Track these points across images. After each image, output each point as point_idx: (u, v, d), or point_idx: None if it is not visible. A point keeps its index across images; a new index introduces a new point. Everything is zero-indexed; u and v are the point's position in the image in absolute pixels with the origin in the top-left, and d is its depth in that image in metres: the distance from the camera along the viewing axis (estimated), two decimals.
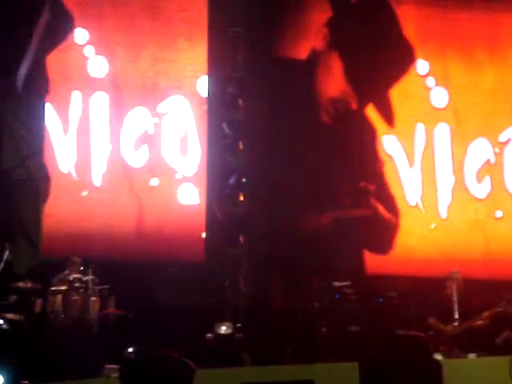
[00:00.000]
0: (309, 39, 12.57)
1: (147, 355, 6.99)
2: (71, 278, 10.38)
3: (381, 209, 12.74)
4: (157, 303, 11.17)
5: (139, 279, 11.14)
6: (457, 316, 10.98)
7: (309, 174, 12.30)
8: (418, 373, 6.50)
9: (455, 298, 11.15)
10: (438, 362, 6.74)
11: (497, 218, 13.19)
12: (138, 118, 11.67)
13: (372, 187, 12.75)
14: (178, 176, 11.78)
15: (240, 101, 11.99)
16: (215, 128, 11.92)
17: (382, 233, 12.72)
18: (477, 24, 13.32)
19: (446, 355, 10.10)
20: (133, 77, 11.72)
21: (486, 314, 11.31)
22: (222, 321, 11.10)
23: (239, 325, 11.11)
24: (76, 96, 11.51)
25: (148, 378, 5.19)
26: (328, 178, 12.42)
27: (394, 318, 11.24)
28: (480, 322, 11.24)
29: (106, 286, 10.46)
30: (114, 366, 8.99)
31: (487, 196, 13.18)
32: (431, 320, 11.17)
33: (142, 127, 11.69)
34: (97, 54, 11.60)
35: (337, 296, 11.49)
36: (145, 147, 11.66)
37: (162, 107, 11.80)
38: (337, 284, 11.67)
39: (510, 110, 13.36)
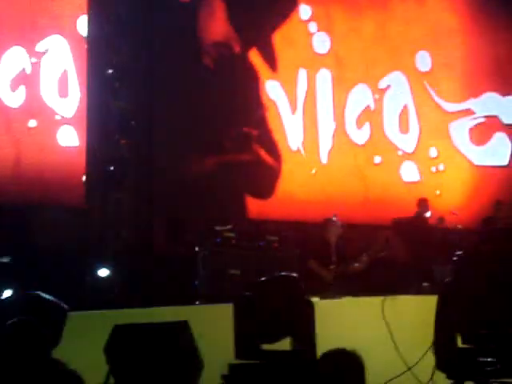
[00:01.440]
0: None
1: (17, 297, 6.92)
2: None
3: (263, 154, 12.81)
4: (35, 248, 10.98)
5: (17, 223, 10.90)
6: (334, 259, 11.20)
7: (192, 118, 12.21)
8: (291, 311, 6.63)
9: (333, 242, 11.37)
10: (309, 301, 6.89)
11: (375, 164, 13.46)
12: (15, 58, 11.29)
13: (254, 132, 12.80)
14: (58, 117, 11.51)
15: (122, 42, 11.74)
16: (95, 69, 11.66)
17: (263, 178, 12.82)
18: None
19: (323, 297, 10.30)
20: (9, 15, 11.31)
21: (364, 257, 11.57)
22: (102, 264, 11.01)
23: (119, 268, 11.04)
24: None
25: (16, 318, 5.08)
26: (211, 122, 12.37)
27: (273, 261, 11.37)
28: (357, 265, 11.49)
29: None
30: None
31: (366, 142, 13.42)
32: (311, 262, 11.36)
33: (19, 67, 11.33)
34: None
35: (218, 240, 11.52)
36: (22, 88, 11.32)
37: (40, 46, 11.46)
38: (218, 228, 11.70)
39: (390, 56, 13.58)
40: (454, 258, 7.45)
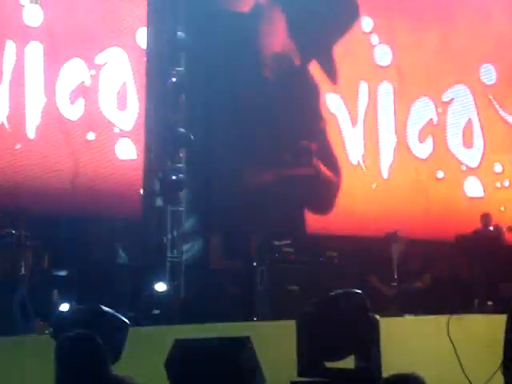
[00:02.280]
0: None
1: (78, 310, 6.81)
2: (3, 233, 10.05)
3: (323, 168, 12.64)
4: (93, 260, 10.94)
5: (75, 235, 10.86)
6: (396, 276, 11.00)
7: (251, 130, 12.10)
8: (355, 330, 6.41)
9: (395, 259, 11.16)
10: (375, 319, 6.66)
11: (438, 179, 13.19)
12: (75, 70, 11.28)
13: (314, 146, 12.64)
14: (116, 130, 11.47)
15: (181, 55, 11.70)
16: (154, 82, 11.62)
17: (323, 192, 12.65)
18: None
19: (384, 314, 10.08)
20: (69, 27, 11.31)
21: (427, 276, 11.35)
22: (159, 279, 10.94)
23: (176, 283, 10.94)
24: (10, 46, 11.06)
25: (78, 336, 4.94)
26: (271, 136, 12.25)
27: (333, 277, 11.17)
28: (420, 285, 11.27)
29: (39, 242, 10.18)
30: (46, 322, 8.80)
31: (429, 156, 13.16)
32: (372, 277, 11.16)
33: (78, 79, 11.31)
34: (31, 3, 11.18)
35: (276, 255, 11.38)
36: (81, 100, 11.30)
37: (99, 58, 11.44)
38: (277, 243, 11.56)
39: (453, 69, 13.32)
40: None
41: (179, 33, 11.67)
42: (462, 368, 7.82)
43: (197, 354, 5.44)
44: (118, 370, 4.95)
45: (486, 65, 13.52)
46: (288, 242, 11.69)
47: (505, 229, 12.18)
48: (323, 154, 12.67)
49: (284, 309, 9.74)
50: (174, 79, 11.55)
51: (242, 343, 5.55)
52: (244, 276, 11.22)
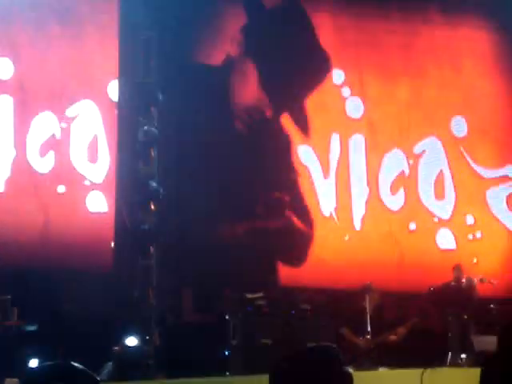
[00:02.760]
0: (224, 45, 12.37)
1: (48, 366, 6.64)
2: None
3: (295, 220, 12.61)
4: (62, 314, 10.77)
5: (44, 289, 10.70)
6: (369, 329, 10.90)
7: (222, 184, 12.06)
8: (327, 383, 6.30)
9: (369, 310, 11.08)
10: (349, 374, 6.56)
11: (410, 231, 13.19)
12: (45, 123, 11.24)
13: (286, 197, 12.61)
14: (87, 183, 11.39)
15: (152, 108, 11.66)
16: (125, 134, 11.57)
17: (295, 244, 12.59)
18: (393, 34, 13.36)
19: (358, 368, 9.99)
20: (40, 80, 11.28)
21: (401, 329, 11.27)
22: (130, 333, 10.77)
23: (147, 337, 10.77)
24: None
25: None
26: (243, 188, 12.22)
27: (307, 330, 11.08)
28: (393, 337, 11.19)
29: (8, 297, 10.02)
30: (14, 379, 8.62)
31: (401, 208, 13.17)
32: (345, 330, 11.08)
33: (48, 132, 11.26)
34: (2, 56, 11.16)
35: (249, 308, 11.27)
36: (51, 153, 11.24)
37: (70, 111, 11.41)
38: (249, 296, 11.45)
39: (424, 121, 13.41)
40: (500, 328, 7.09)
41: (150, 84, 11.65)
42: None
43: None
44: None
45: (456, 117, 13.63)
46: (261, 294, 11.59)
47: (477, 280, 12.16)
48: (296, 206, 12.64)
49: (257, 362, 9.62)
50: (145, 132, 11.49)
51: None
52: (217, 329, 11.09)
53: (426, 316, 12.33)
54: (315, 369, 6.35)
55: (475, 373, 6.50)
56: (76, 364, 5.81)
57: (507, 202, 13.73)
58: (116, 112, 11.56)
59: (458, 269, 12.12)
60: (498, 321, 11.33)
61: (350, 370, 6.76)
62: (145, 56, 11.62)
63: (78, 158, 11.40)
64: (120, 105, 11.56)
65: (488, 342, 9.25)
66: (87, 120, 11.49)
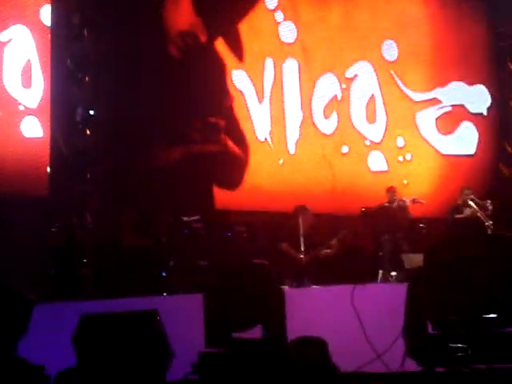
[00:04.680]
0: None
1: None
2: None
3: (230, 144, 12.73)
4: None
5: None
6: (303, 248, 11.17)
7: (157, 108, 12.09)
8: (261, 299, 6.56)
9: (303, 230, 11.33)
10: (280, 289, 6.82)
11: (343, 154, 13.44)
12: None
13: (222, 122, 12.70)
14: (21, 108, 11.33)
15: (85, 32, 11.57)
16: (59, 60, 11.48)
17: (231, 168, 12.74)
18: None
19: (296, 285, 10.28)
20: None
21: (333, 242, 11.55)
22: (68, 258, 10.88)
23: (85, 261, 10.89)
24: None
25: None
26: (178, 113, 12.26)
27: (243, 251, 11.32)
28: (328, 251, 11.47)
29: None
30: None
31: (334, 132, 13.39)
32: (284, 245, 11.30)
33: None
34: None
35: (185, 231, 11.44)
36: None
37: (2, 36, 11.26)
38: (185, 219, 11.61)
39: (356, 46, 13.56)
40: (425, 245, 7.44)
41: (83, 8, 11.53)
42: (366, 335, 8.10)
43: (104, 328, 5.50)
44: (24, 345, 5.00)
45: (388, 41, 13.80)
46: (197, 217, 11.76)
47: (409, 201, 12.51)
48: (231, 131, 12.75)
49: (193, 283, 9.84)
50: (77, 56, 11.42)
51: (149, 317, 5.64)
52: (154, 252, 11.24)
53: (359, 235, 12.68)
54: (247, 285, 6.62)
55: (403, 288, 6.85)
56: (10, 285, 5.98)
57: (436, 125, 14.07)
58: (49, 36, 11.44)
59: (391, 190, 12.47)
60: (427, 240, 11.73)
61: (282, 287, 7.05)
62: None
63: (12, 83, 11.30)
64: (53, 30, 11.44)
65: (417, 260, 9.58)
66: (20, 44, 11.36)
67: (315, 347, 5.75)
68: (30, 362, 4.92)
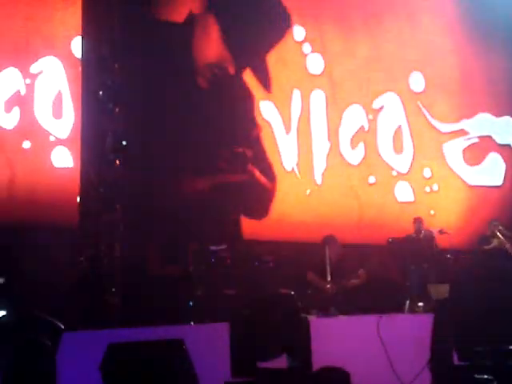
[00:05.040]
0: (186, 2, 12.47)
1: (16, 316, 6.90)
2: None
3: (257, 174, 12.81)
4: (28, 269, 10.93)
5: (10, 243, 10.86)
6: (329, 278, 11.17)
7: (186, 139, 12.22)
8: (287, 329, 6.60)
9: (331, 260, 11.35)
10: (305, 319, 6.87)
11: (370, 184, 13.48)
12: (9, 79, 11.33)
13: (249, 152, 12.80)
14: (52, 138, 11.52)
15: (115, 64, 11.74)
16: (89, 90, 11.65)
17: (258, 198, 12.82)
18: None
19: (324, 314, 10.28)
20: (3, 36, 11.34)
21: (361, 272, 11.57)
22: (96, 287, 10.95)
23: (113, 290, 10.97)
24: None
25: (17, 338, 5.11)
26: (206, 143, 12.38)
27: (269, 280, 11.35)
28: (355, 281, 11.47)
29: None
30: None
31: (361, 162, 13.44)
32: (310, 275, 11.32)
33: (13, 88, 11.35)
34: None
35: (212, 260, 11.50)
36: (16, 109, 11.34)
37: (34, 67, 11.49)
38: (213, 248, 11.68)
39: (383, 77, 13.64)
40: (451, 276, 7.45)
41: (114, 40, 11.70)
42: (391, 366, 8.11)
43: (131, 357, 5.56)
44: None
45: (414, 72, 13.87)
46: (224, 246, 11.83)
47: (436, 232, 12.51)
48: (258, 161, 12.85)
49: (220, 312, 9.88)
50: (108, 88, 11.58)
51: (175, 346, 5.70)
52: (181, 281, 11.31)
53: (386, 266, 12.67)
54: (273, 315, 6.67)
55: (428, 318, 6.87)
56: (40, 313, 6.07)
57: (463, 156, 14.08)
58: (80, 68, 11.63)
59: (418, 221, 12.48)
60: (454, 270, 11.71)
61: (307, 316, 7.09)
62: (107, 13, 11.66)
63: (43, 113, 11.51)
64: (83, 61, 11.62)
65: (444, 291, 9.56)
66: (51, 76, 11.58)
67: (338, 378, 5.78)
68: None
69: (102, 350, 5.43)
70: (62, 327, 6.22)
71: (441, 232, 12.51)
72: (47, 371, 4.75)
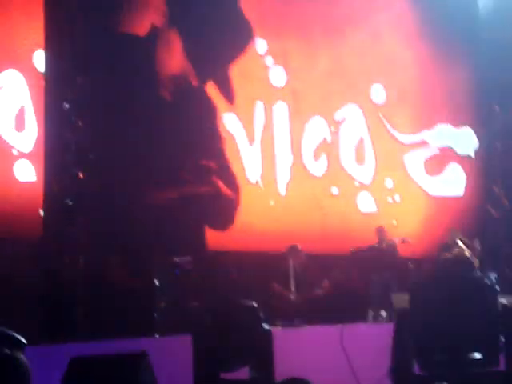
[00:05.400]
0: (148, 15, 12.50)
1: None
2: None
3: (221, 186, 12.85)
4: None
5: None
6: (293, 289, 11.26)
7: (149, 151, 12.24)
8: (249, 341, 6.66)
9: (295, 271, 11.43)
10: (268, 330, 6.93)
11: (333, 195, 13.57)
12: None
13: (213, 164, 12.84)
14: (15, 152, 11.49)
15: (78, 77, 11.76)
16: (53, 104, 11.66)
17: (222, 209, 12.84)
18: (313, 4, 13.62)
19: (287, 325, 10.35)
20: None
21: (325, 283, 11.65)
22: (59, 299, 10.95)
23: (75, 302, 10.97)
24: None
25: None
26: (169, 155, 12.41)
27: (232, 292, 11.38)
28: (319, 291, 11.56)
29: None
30: None
31: (324, 173, 13.54)
32: (274, 285, 11.39)
33: None
34: None
35: (176, 272, 11.53)
36: None
37: None
38: (177, 260, 11.72)
39: (345, 89, 13.75)
40: (411, 285, 7.55)
41: (76, 53, 11.73)
42: (354, 374, 8.20)
43: (93, 371, 5.56)
44: None
45: (376, 84, 14.01)
46: (189, 258, 11.86)
47: (399, 241, 12.64)
48: (222, 172, 12.88)
49: (184, 324, 9.91)
50: (71, 101, 11.60)
51: (138, 358, 5.72)
52: (145, 293, 11.31)
53: (349, 275, 12.78)
54: (235, 326, 6.72)
55: (391, 327, 6.95)
56: (0, 328, 6.05)
57: (424, 166, 14.24)
58: (42, 82, 11.63)
59: (380, 231, 12.60)
60: (414, 280, 11.82)
61: (270, 328, 7.15)
62: (69, 26, 11.69)
63: (5, 127, 11.47)
64: (46, 74, 11.62)
65: (405, 300, 9.68)
66: (13, 90, 11.55)
67: None
68: None
69: (64, 364, 5.43)
70: (24, 341, 6.21)
71: (403, 241, 12.65)
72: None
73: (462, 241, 12.56)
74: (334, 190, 13.54)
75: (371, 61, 13.94)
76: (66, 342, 8.25)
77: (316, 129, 13.50)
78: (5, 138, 11.47)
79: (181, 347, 7.05)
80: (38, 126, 11.60)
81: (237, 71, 13.03)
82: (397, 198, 13.95)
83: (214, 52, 12.72)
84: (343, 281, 12.32)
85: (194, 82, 12.77)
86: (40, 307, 10.67)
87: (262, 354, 6.72)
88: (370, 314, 11.68)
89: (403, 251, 12.69)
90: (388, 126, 14.02)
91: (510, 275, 13.44)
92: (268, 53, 13.31)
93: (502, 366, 6.14)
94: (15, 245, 11.13)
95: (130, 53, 12.17)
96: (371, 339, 8.56)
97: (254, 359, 6.69)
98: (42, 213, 11.53)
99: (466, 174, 14.50)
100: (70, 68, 11.66)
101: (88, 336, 9.73)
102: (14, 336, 6.09)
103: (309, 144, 13.45)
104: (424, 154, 14.23)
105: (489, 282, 6.86)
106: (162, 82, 12.56)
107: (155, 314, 10.57)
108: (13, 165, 11.47)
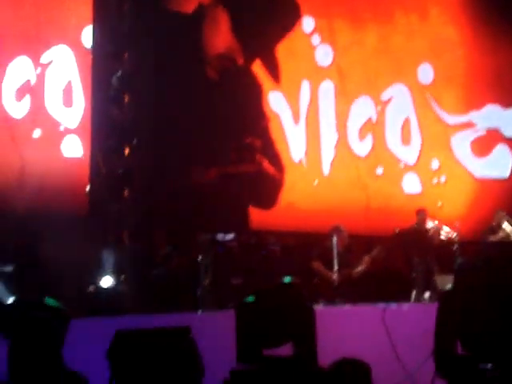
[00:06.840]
0: None
1: (20, 302, 6.98)
2: None
3: (266, 165, 12.87)
4: (39, 256, 11.03)
5: (21, 231, 10.96)
6: (336, 268, 11.25)
7: (195, 129, 12.29)
8: (292, 317, 6.67)
9: (335, 251, 11.43)
10: (311, 308, 6.93)
11: (377, 175, 13.52)
12: (20, 68, 11.40)
13: (258, 143, 12.86)
14: (62, 128, 11.60)
15: (125, 54, 11.84)
16: (100, 80, 11.75)
17: (266, 188, 12.88)
18: None
19: (328, 303, 10.36)
20: (15, 25, 11.42)
21: (366, 258, 11.63)
22: (105, 275, 11.07)
23: (122, 277, 11.10)
24: None
25: (21, 324, 5.19)
26: (215, 134, 12.45)
27: (276, 269, 11.42)
28: (360, 269, 11.54)
29: None
30: None
31: (368, 153, 13.48)
32: (315, 263, 11.40)
33: (24, 77, 11.43)
34: None
35: (220, 249, 11.59)
36: (27, 98, 11.43)
37: (45, 57, 11.56)
38: (220, 237, 11.77)
39: (392, 69, 13.65)
40: (455, 267, 7.51)
41: (124, 30, 11.80)
42: (396, 355, 8.18)
43: (138, 344, 5.63)
44: None
45: (423, 64, 13.89)
46: (232, 236, 11.92)
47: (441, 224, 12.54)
48: (267, 152, 12.91)
49: (227, 301, 9.97)
50: (118, 77, 11.68)
51: (182, 333, 5.78)
52: (189, 270, 11.40)
53: (391, 256, 12.73)
54: (278, 303, 6.74)
55: (434, 308, 6.93)
56: (48, 300, 6.15)
57: (471, 148, 14.10)
58: (90, 57, 11.72)
59: (421, 212, 12.52)
60: (459, 261, 11.77)
61: (312, 305, 7.17)
62: (118, 2, 11.76)
63: (53, 103, 11.58)
64: (94, 50, 11.71)
65: (449, 281, 9.64)
66: (62, 65, 11.65)
67: (359, 371, 5.79)
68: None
69: (109, 337, 5.50)
70: (69, 314, 6.30)
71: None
72: (54, 347, 4.83)
73: (509, 222, 12.44)
74: (379, 171, 13.48)
75: (419, 40, 13.82)
76: (112, 316, 8.34)
77: (362, 108, 13.44)
78: (52, 113, 11.57)
79: (224, 323, 7.08)
80: (85, 101, 11.68)
81: (283, 50, 13.01)
82: (442, 179, 13.85)
83: (261, 30, 12.71)
84: (386, 261, 12.27)
85: (240, 61, 12.77)
86: (86, 282, 10.80)
87: (304, 331, 6.73)
88: (413, 294, 11.65)
89: (448, 233, 12.59)
90: (435, 107, 13.90)
91: None
92: (315, 31, 13.25)
93: None
94: (62, 219, 11.23)
95: (178, 30, 12.20)
96: (414, 319, 8.52)
97: (297, 336, 6.70)
98: (88, 188, 11.65)
99: None
100: (116, 44, 11.74)
101: (134, 310, 9.83)
102: (59, 308, 6.19)
103: (354, 123, 13.40)
104: (471, 135, 14.09)
105: None
106: (209, 60, 12.58)
107: (198, 291, 10.63)
108: (60, 140, 11.58)
